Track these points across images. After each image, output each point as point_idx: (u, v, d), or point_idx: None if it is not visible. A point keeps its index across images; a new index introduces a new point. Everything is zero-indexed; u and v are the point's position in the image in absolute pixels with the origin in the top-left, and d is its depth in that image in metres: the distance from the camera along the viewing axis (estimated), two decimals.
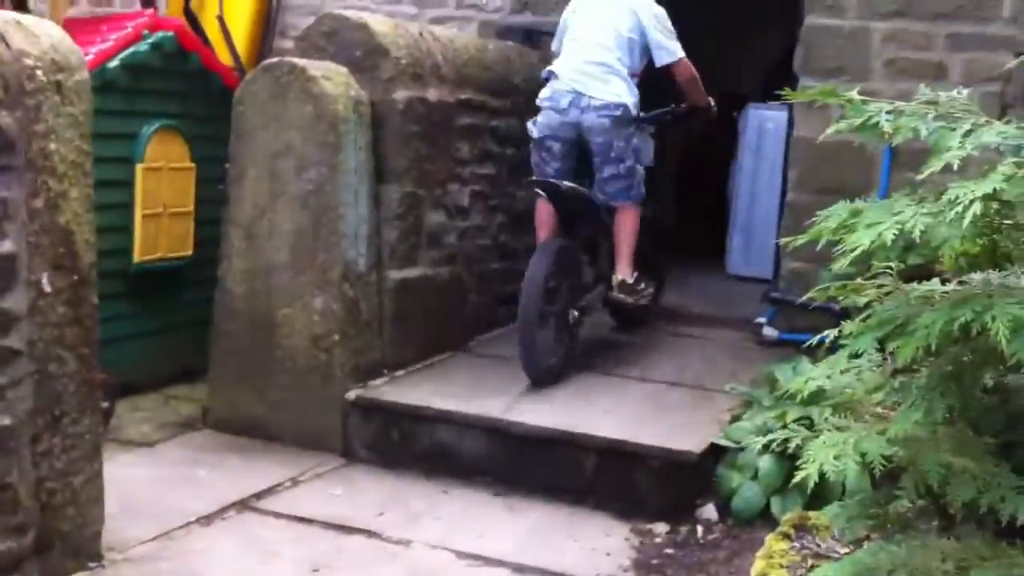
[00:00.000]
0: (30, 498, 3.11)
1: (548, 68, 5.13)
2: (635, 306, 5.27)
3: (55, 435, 3.21)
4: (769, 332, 5.64)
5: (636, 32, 5.05)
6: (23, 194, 3.08)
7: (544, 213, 5.13)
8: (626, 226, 5.12)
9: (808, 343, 2.76)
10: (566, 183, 4.90)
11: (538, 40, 6.23)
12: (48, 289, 3.17)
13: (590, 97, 4.93)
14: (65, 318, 3.23)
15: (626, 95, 4.99)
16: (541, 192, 5.06)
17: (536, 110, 5.12)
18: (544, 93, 5.07)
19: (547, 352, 4.73)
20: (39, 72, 3.13)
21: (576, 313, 4.96)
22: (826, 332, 2.63)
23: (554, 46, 5.32)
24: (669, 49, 5.07)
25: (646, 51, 5.10)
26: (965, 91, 2.30)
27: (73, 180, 3.26)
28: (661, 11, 5.08)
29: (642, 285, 5.27)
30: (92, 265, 3.34)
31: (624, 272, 5.10)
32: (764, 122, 7.16)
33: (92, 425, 3.37)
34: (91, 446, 3.37)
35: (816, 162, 5.35)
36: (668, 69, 5.14)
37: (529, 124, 5.06)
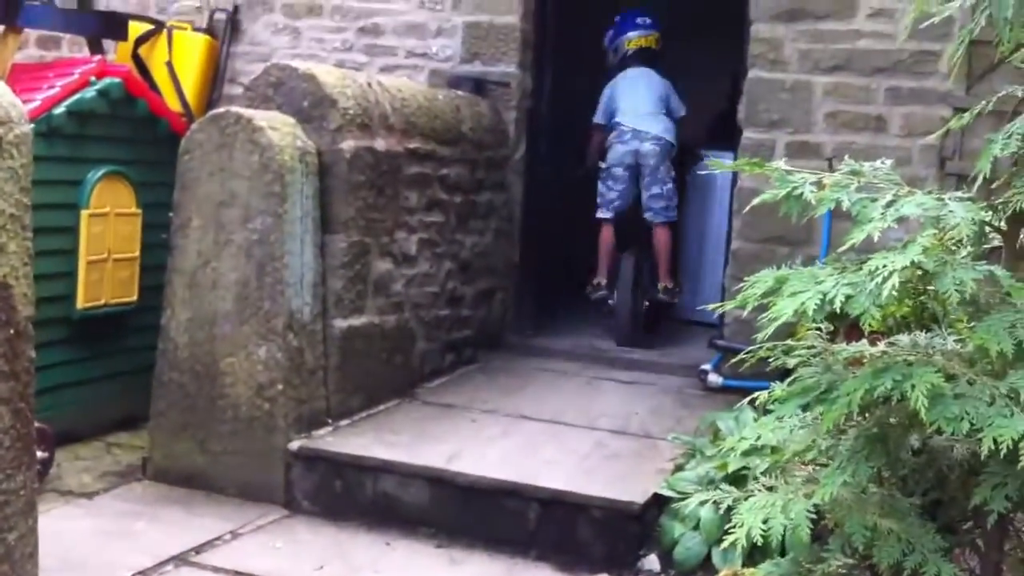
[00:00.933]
0: None
1: (615, 120, 6.77)
2: (671, 303, 6.91)
3: None
4: (714, 379, 5.70)
5: (665, 96, 6.82)
6: None
7: (607, 235, 6.84)
8: (665, 240, 6.79)
9: (746, 401, 2.81)
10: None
11: (487, 89, 6.29)
12: None
13: (645, 131, 6.66)
14: (0, 373, 3.20)
15: (670, 134, 6.73)
16: (607, 219, 6.80)
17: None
18: (612, 135, 6.76)
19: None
20: None
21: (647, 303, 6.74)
22: (758, 392, 2.68)
23: (599, 118, 6.92)
24: (680, 109, 6.90)
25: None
26: (888, 162, 2.35)
27: (11, 234, 3.23)
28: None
29: (676, 287, 6.91)
30: (29, 319, 3.30)
31: (666, 279, 6.78)
32: (711, 171, 7.24)
33: (27, 480, 3.31)
34: (26, 502, 3.31)
35: (760, 213, 5.38)
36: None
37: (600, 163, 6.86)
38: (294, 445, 4.50)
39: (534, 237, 6.81)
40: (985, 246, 2.40)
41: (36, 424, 4.22)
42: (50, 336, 4.81)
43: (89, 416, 5.11)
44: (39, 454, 4.30)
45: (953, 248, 2.30)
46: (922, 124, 5.31)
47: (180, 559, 3.89)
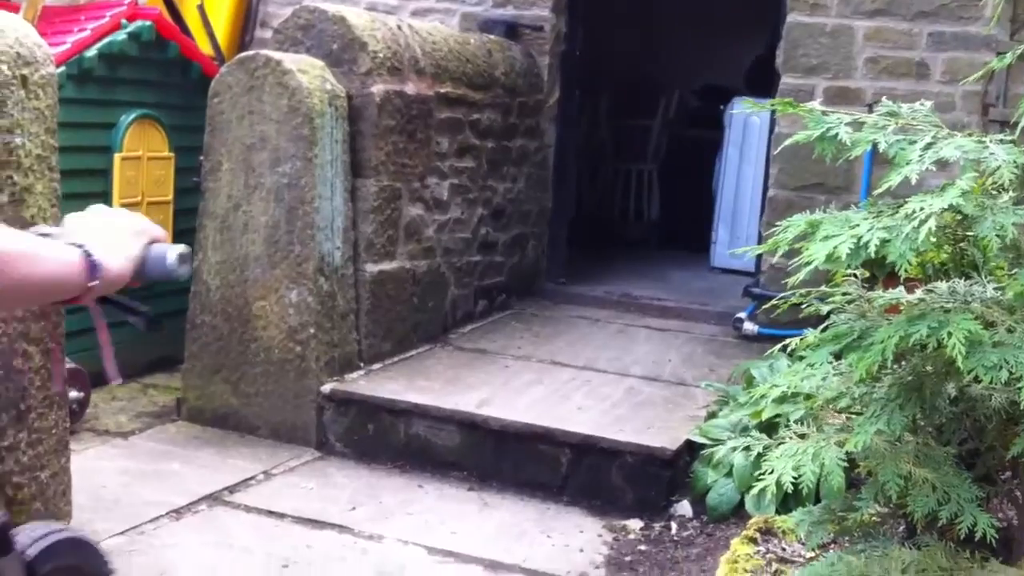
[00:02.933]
0: None
1: None
2: None
3: (21, 430, 3.20)
4: (749, 327, 5.65)
5: None
6: None
7: None
8: None
9: (778, 347, 2.77)
10: None
11: (520, 33, 6.21)
12: None
13: None
14: (30, 312, 3.21)
15: None
16: None
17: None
18: None
19: None
20: (3, 67, 3.09)
21: None
22: (792, 339, 2.64)
23: None
24: None
25: None
26: (928, 103, 2.28)
27: (39, 175, 3.23)
28: None
29: None
30: None
31: None
32: (749, 117, 7.16)
33: (58, 419, 3.35)
34: (58, 440, 3.35)
35: (797, 159, 5.34)
36: None
37: None
38: (326, 388, 4.51)
39: (567, 184, 6.76)
40: None
41: (71, 365, 4.30)
42: None
43: (125, 358, 5.09)
44: (75, 394, 4.37)
45: (994, 193, 2.23)
46: (965, 70, 5.18)
47: (213, 498, 3.92)
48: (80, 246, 1.55)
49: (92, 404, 4.61)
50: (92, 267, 1.54)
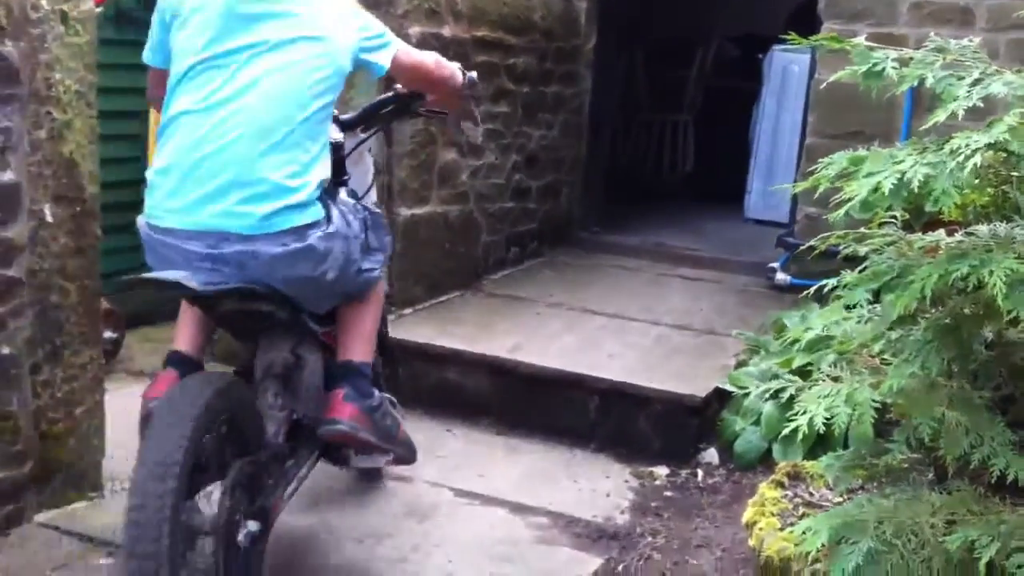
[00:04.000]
0: (30, 427, 3.14)
1: None
2: None
3: (56, 366, 3.23)
4: (782, 277, 5.60)
5: None
6: (26, 124, 3.07)
7: None
8: None
9: (813, 288, 2.73)
10: None
11: None
12: (50, 219, 3.17)
13: None
14: (67, 249, 3.23)
15: None
16: None
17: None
18: None
19: None
20: (44, 1, 3.10)
21: None
22: (828, 281, 2.60)
23: None
24: None
25: None
26: (976, 39, 2.23)
27: (77, 111, 3.24)
28: None
29: None
30: (95, 196, 3.33)
31: None
32: (788, 65, 7.05)
33: (94, 356, 3.38)
34: (92, 377, 3.39)
35: (837, 106, 5.25)
36: None
37: None
38: None
39: (602, 132, 6.70)
40: None
41: (107, 305, 4.32)
42: (122, 220, 4.85)
43: (160, 300, 5.15)
44: (109, 334, 4.39)
45: None
46: (1010, 17, 5.06)
47: None
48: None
49: (126, 346, 4.65)
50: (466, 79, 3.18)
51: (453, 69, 3.13)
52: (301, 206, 2.65)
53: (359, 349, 2.98)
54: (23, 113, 3.06)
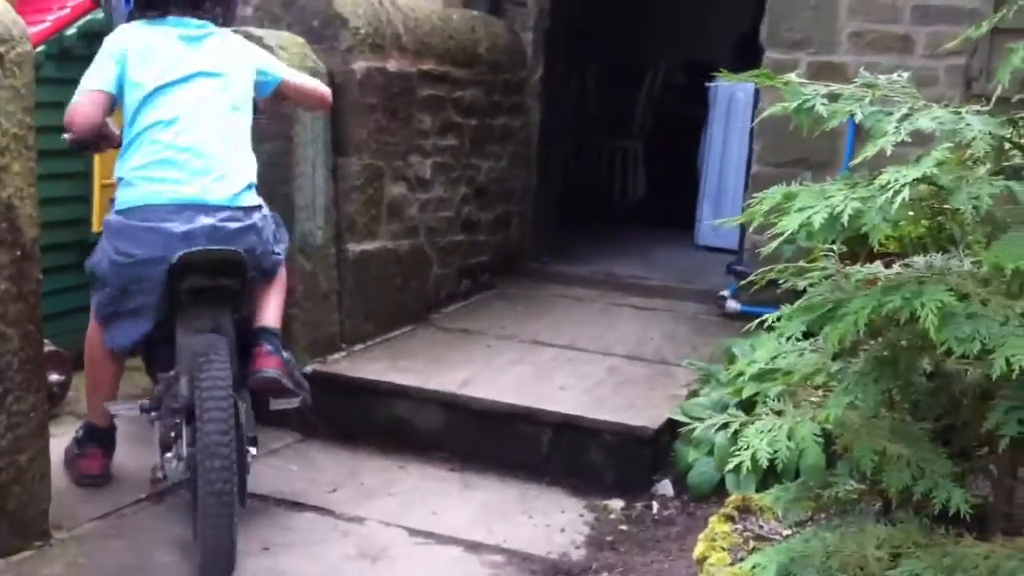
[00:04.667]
0: None
1: None
2: None
3: (0, 413, 3.18)
4: (732, 305, 5.64)
5: None
6: None
7: None
8: None
9: (757, 321, 2.75)
10: None
11: (504, 9, 6.18)
12: None
13: None
14: (8, 294, 3.19)
15: None
16: None
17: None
18: None
19: None
20: None
21: None
22: (771, 313, 2.62)
23: None
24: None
25: None
26: (906, 74, 2.27)
27: (15, 154, 3.20)
28: None
29: None
30: (35, 240, 3.29)
31: None
32: (734, 92, 7.13)
33: (38, 402, 3.33)
34: (37, 424, 3.33)
35: (781, 135, 5.31)
36: None
37: None
38: (308, 369, 4.48)
39: (552, 162, 6.73)
40: (1005, 164, 2.31)
41: (53, 348, 4.26)
42: (66, 260, 4.80)
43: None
44: (56, 377, 4.33)
45: (971, 164, 2.22)
46: (949, 44, 5.16)
47: None
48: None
49: (73, 387, 4.58)
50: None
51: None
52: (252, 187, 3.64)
53: (272, 316, 3.72)
54: None
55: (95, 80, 3.60)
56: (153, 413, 3.60)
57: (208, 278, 3.44)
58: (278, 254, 3.76)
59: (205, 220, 3.46)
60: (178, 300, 3.46)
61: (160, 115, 3.53)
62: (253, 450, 3.51)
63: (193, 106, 3.56)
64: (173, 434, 3.45)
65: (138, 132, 3.55)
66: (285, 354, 3.68)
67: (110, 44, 3.66)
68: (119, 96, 3.61)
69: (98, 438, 3.85)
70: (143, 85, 3.55)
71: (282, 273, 3.81)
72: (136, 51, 3.60)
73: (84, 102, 3.60)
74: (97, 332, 3.71)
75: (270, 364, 3.57)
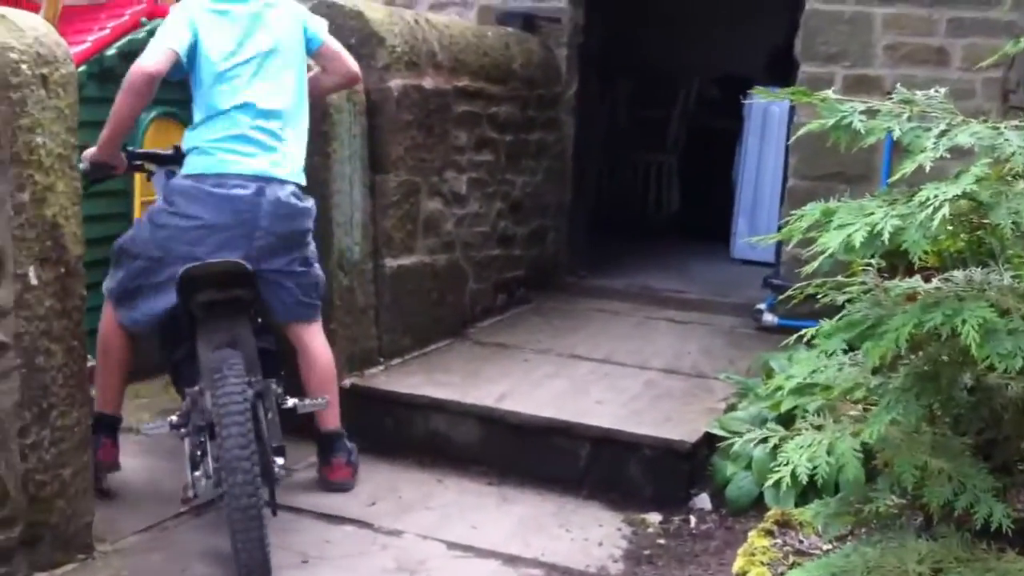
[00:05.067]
0: (18, 491, 3.13)
1: None
2: None
3: (43, 428, 3.23)
4: (769, 318, 5.63)
5: None
6: (9, 188, 3.09)
7: None
8: None
9: (795, 337, 2.75)
10: None
11: (538, 26, 6.21)
12: (35, 282, 3.18)
13: None
14: (52, 311, 3.24)
15: None
16: None
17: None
18: None
19: None
20: (23, 66, 3.13)
21: None
22: (810, 328, 2.62)
23: None
24: None
25: None
26: (943, 90, 2.27)
27: (59, 173, 3.26)
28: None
29: None
30: (79, 258, 3.34)
31: None
32: (769, 106, 7.12)
33: (81, 417, 3.38)
34: (80, 438, 3.38)
35: (816, 148, 5.30)
36: None
37: None
38: (346, 383, 4.51)
39: (586, 176, 6.74)
40: None
41: (93, 362, 4.31)
42: None
43: (148, 355, 5.15)
44: None
45: (1010, 180, 2.21)
46: (985, 56, 5.10)
47: None
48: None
49: None
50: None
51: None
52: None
53: (336, 415, 4.07)
54: (5, 177, 3.08)
55: (170, 39, 3.70)
56: (182, 430, 3.65)
57: (219, 291, 3.55)
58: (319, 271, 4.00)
59: (274, 192, 3.71)
60: (193, 315, 3.58)
61: (236, 99, 3.72)
62: (280, 460, 3.58)
63: (267, 92, 3.76)
64: (200, 452, 3.52)
65: (215, 111, 3.73)
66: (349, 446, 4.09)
67: (184, 10, 3.77)
68: (187, 62, 3.73)
69: (108, 426, 3.92)
70: (215, 62, 3.73)
71: (319, 325, 4.04)
72: (207, 23, 3.74)
73: (158, 53, 3.68)
74: (111, 314, 3.86)
75: (345, 475, 4.03)
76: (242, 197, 3.67)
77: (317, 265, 3.99)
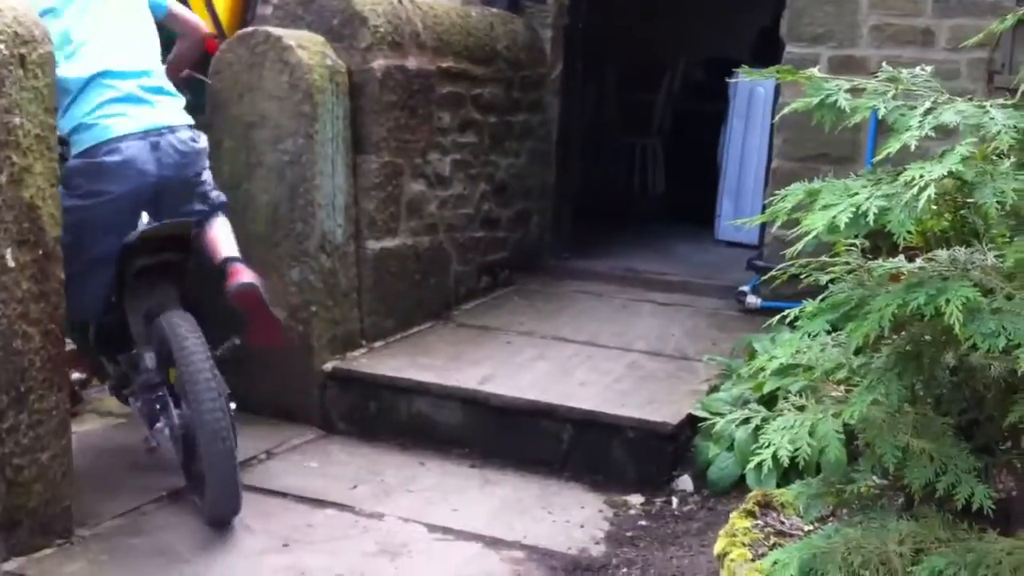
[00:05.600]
0: None
1: None
2: None
3: (21, 411, 3.20)
4: (752, 300, 5.62)
5: None
6: None
7: None
8: None
9: (778, 317, 2.74)
10: None
11: (523, 6, 6.17)
12: (12, 264, 3.14)
13: None
14: (30, 293, 3.21)
15: None
16: None
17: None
18: None
19: None
20: (1, 46, 3.08)
21: None
22: (793, 309, 2.60)
23: None
24: None
25: None
26: (928, 68, 2.25)
27: (37, 154, 3.22)
28: None
29: None
30: (57, 240, 3.31)
31: None
32: (754, 87, 7.09)
33: (59, 401, 3.35)
34: (59, 422, 3.35)
35: (801, 129, 5.28)
36: None
37: None
38: (328, 366, 4.50)
39: (571, 159, 6.72)
40: None
41: (74, 346, 4.28)
42: None
43: None
44: (77, 375, 4.36)
45: (995, 159, 2.20)
46: (971, 37, 5.08)
47: None
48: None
49: (95, 385, 4.61)
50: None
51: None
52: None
53: (232, 246, 3.96)
54: None
55: None
56: (124, 391, 3.82)
57: (152, 256, 3.65)
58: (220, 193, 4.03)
59: (169, 141, 3.76)
60: (124, 280, 3.69)
61: (95, 67, 3.73)
62: (232, 404, 3.61)
63: (121, 54, 3.80)
64: (158, 406, 3.64)
65: (79, 85, 3.73)
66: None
67: None
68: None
69: None
70: (73, 40, 3.76)
71: (225, 215, 4.03)
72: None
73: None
74: None
75: (247, 276, 3.83)
76: (137, 156, 3.70)
77: (216, 191, 4.02)
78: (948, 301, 1.92)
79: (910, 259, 2.46)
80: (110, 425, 4.41)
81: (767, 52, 6.18)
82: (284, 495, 3.83)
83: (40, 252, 3.24)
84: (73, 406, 3.96)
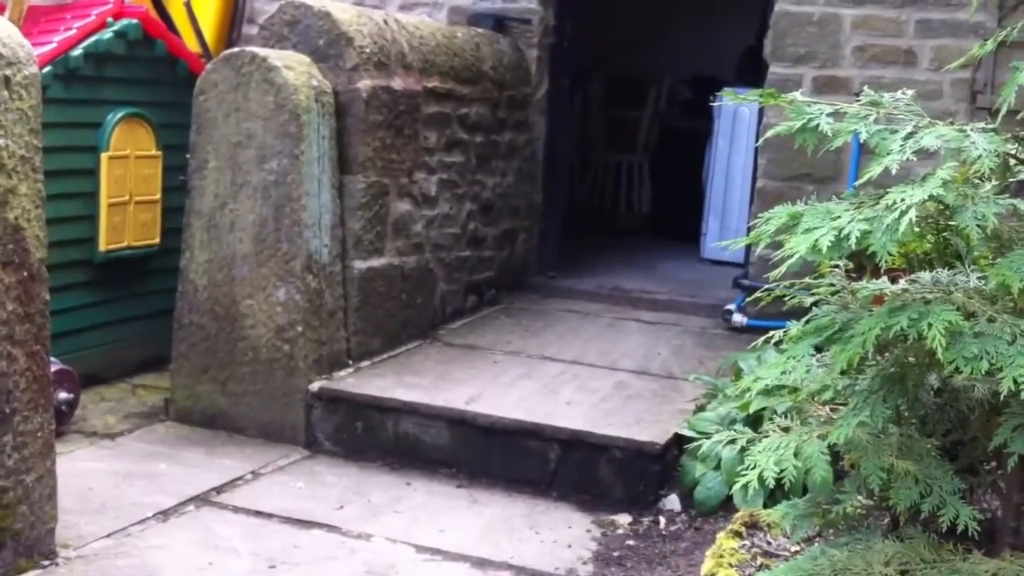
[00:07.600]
0: None
1: None
2: None
3: (6, 433, 3.18)
4: (738, 319, 5.64)
5: None
6: None
7: None
8: None
9: (763, 339, 2.76)
10: None
11: (508, 26, 6.20)
12: None
13: None
14: (15, 315, 3.19)
15: None
16: None
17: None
18: None
19: None
20: None
21: None
22: (777, 331, 2.62)
23: None
24: None
25: None
26: (910, 92, 2.27)
27: (22, 176, 3.22)
28: None
29: None
30: (41, 261, 3.30)
31: None
32: (739, 107, 7.14)
33: (44, 422, 3.33)
34: (43, 443, 3.33)
35: (785, 149, 5.32)
36: None
37: None
38: (315, 386, 4.49)
39: (557, 177, 6.74)
40: (1011, 180, 2.32)
41: (61, 366, 4.28)
42: (73, 279, 4.83)
43: (114, 358, 5.13)
44: (64, 395, 4.35)
45: (977, 182, 2.22)
46: (953, 57, 5.11)
47: (201, 499, 3.90)
48: None
49: (81, 405, 4.60)
50: None
51: None
52: None
53: None
54: None
55: None
56: None
57: None
58: None
59: None
60: None
61: None
62: None
63: None
64: None
65: None
66: None
67: None
68: None
69: None
70: None
71: None
72: None
73: None
74: None
75: None
76: None
77: None
78: (930, 325, 1.93)
79: (893, 280, 2.48)
80: (95, 445, 4.38)
81: (752, 70, 6.23)
82: (270, 516, 3.81)
83: (25, 273, 3.23)
84: (59, 426, 3.94)
